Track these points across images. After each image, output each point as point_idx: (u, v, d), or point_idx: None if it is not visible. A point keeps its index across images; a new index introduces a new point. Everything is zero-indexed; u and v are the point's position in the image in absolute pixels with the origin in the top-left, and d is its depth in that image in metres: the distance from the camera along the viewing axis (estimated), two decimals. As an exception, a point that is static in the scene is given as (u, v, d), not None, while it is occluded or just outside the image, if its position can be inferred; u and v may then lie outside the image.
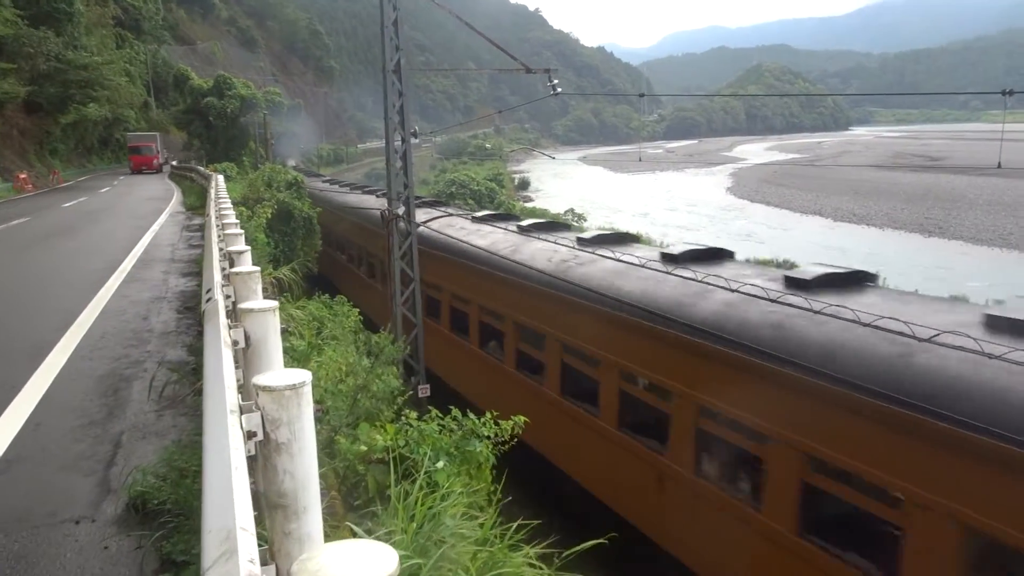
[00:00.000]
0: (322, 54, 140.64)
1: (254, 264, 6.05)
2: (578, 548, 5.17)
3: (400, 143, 15.57)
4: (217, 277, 5.16)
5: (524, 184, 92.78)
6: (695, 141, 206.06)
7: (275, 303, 3.84)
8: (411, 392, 13.80)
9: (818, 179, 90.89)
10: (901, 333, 6.91)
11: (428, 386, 15.03)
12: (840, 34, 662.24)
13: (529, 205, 63.48)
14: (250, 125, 56.83)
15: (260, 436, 2.54)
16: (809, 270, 9.54)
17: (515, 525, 5.09)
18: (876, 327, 7.19)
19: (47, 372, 6.94)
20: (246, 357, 3.80)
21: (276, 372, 2.74)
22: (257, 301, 4.09)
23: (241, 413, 2.57)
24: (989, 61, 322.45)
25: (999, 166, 10.90)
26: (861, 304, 7.86)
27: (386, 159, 15.70)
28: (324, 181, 38.57)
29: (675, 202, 77.21)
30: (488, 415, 6.78)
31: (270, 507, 2.67)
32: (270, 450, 2.58)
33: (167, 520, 4.08)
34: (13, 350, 7.83)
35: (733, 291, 8.86)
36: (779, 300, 8.27)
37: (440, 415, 6.77)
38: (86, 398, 6.33)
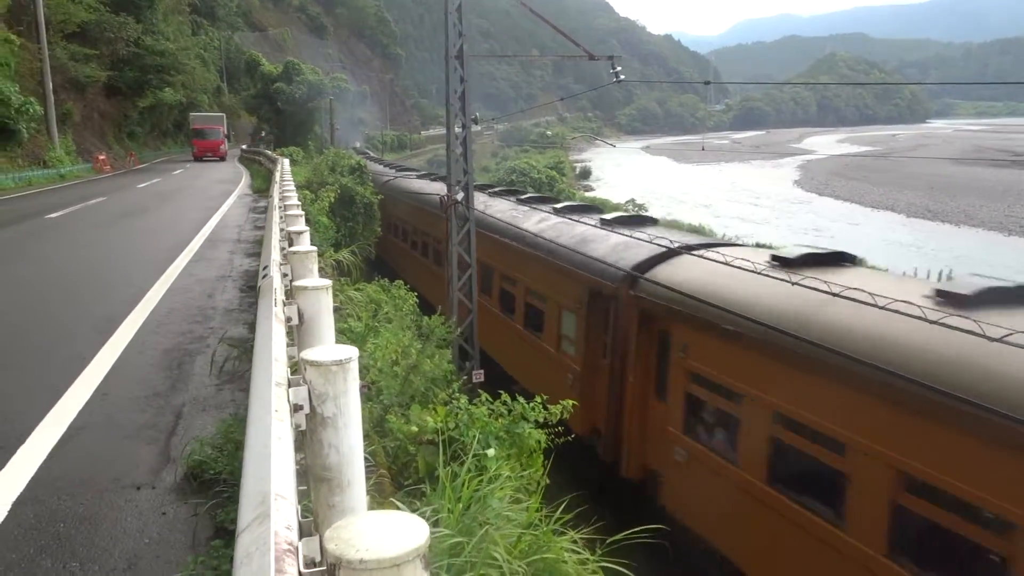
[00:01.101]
0: (389, 41, 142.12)
1: (317, 246, 6.18)
2: (622, 535, 5.15)
3: (461, 129, 15.64)
4: (276, 256, 5.28)
5: (585, 173, 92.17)
6: (763, 132, 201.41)
7: (328, 282, 3.92)
8: (465, 377, 13.94)
9: (891, 173, 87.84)
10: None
11: (482, 371, 15.13)
12: (919, 22, 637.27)
13: (590, 194, 63.08)
14: (317, 111, 57.90)
15: (307, 409, 2.60)
16: (793, 250, 10.64)
17: (560, 509, 5.09)
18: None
19: (116, 345, 7.23)
20: (299, 334, 3.89)
21: (324, 347, 2.79)
22: (311, 280, 4.18)
23: (289, 386, 2.63)
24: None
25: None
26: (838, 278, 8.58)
27: (447, 145, 15.80)
28: (386, 166, 39.07)
29: (739, 194, 75.70)
30: (537, 399, 6.79)
31: (315, 480, 2.73)
32: (316, 423, 2.64)
33: (222, 490, 4.22)
34: (85, 323, 8.17)
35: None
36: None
37: (490, 399, 6.81)
38: (151, 371, 6.57)
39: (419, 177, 30.10)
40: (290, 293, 4.22)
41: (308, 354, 2.67)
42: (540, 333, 14.14)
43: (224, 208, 19.98)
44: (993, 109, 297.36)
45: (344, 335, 9.26)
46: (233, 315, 8.51)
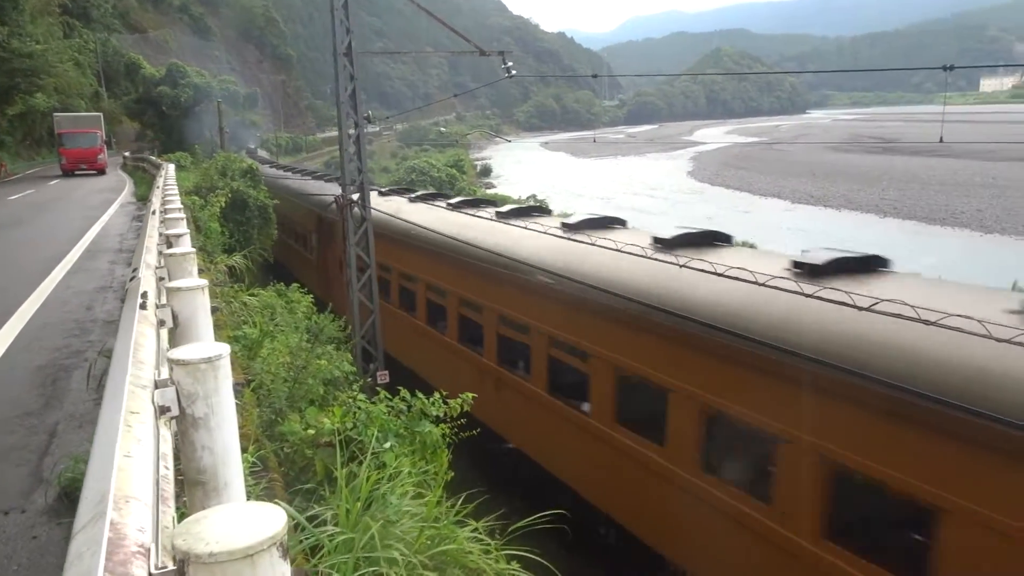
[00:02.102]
0: (278, 42, 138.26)
1: (209, 251, 5.97)
2: (525, 522, 5.17)
3: (354, 129, 15.37)
4: (150, 259, 5.04)
5: (486, 171, 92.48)
6: (656, 126, 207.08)
7: (204, 282, 3.76)
8: (369, 379, 13.73)
9: (777, 162, 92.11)
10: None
11: (387, 372, 14.93)
12: (797, 18, 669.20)
13: (491, 191, 63.34)
14: (205, 114, 55.81)
15: (175, 411, 2.49)
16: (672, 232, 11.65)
17: (460, 501, 5.08)
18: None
19: (-18, 364, 6.74)
20: (174, 337, 3.72)
21: (192, 345, 2.68)
22: (185, 280, 4.00)
23: (156, 388, 2.50)
24: (942, 44, 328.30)
25: (941, 140, 11.15)
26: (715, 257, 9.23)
27: (339, 144, 15.50)
28: (280, 169, 38.07)
29: (636, 186, 77.62)
30: (436, 395, 6.74)
31: (190, 484, 2.61)
32: (187, 425, 2.53)
33: (99, 507, 3.98)
34: (-52, 343, 7.59)
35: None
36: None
37: (389, 396, 6.72)
38: (22, 389, 6.16)
39: (311, 179, 29.46)
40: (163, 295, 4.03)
41: (175, 353, 2.55)
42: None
43: (105, 218, 18.98)
44: (865, 99, 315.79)
45: (238, 342, 8.95)
46: (114, 327, 8.07)
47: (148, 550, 1.53)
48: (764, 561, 7.43)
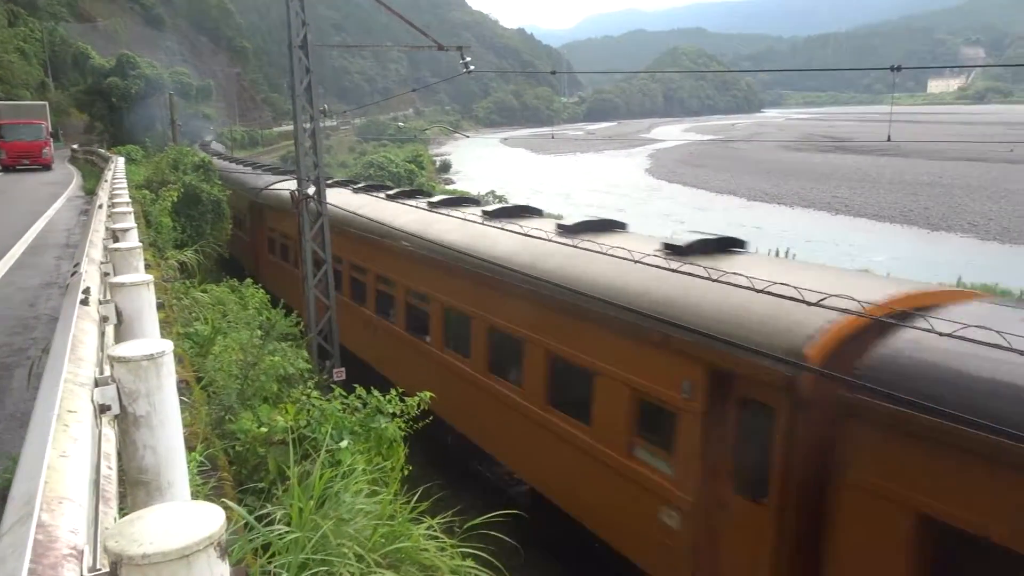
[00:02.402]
0: (233, 34, 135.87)
1: (160, 247, 5.84)
2: (480, 519, 5.17)
3: (310, 122, 15.18)
4: (95, 254, 4.91)
5: (445, 166, 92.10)
6: (614, 123, 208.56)
7: (149, 277, 3.67)
8: (326, 376, 13.59)
9: (733, 160, 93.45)
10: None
11: (343, 369, 14.79)
12: (753, 17, 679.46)
13: (450, 187, 63.12)
14: (156, 107, 54.59)
15: (116, 410, 2.42)
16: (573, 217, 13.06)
17: (415, 498, 5.05)
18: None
19: (-82, 363, 6.50)
20: (119, 334, 3.62)
21: (134, 342, 2.61)
22: (130, 275, 3.90)
23: (96, 386, 2.43)
24: (891, 46, 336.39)
25: (888, 139, 11.42)
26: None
27: (295, 138, 15.29)
28: (237, 163, 37.42)
29: (595, 183, 78.07)
30: (393, 392, 6.69)
31: (132, 485, 2.55)
32: (128, 424, 2.46)
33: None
34: None
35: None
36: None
37: (344, 394, 6.66)
38: (-39, 389, 5.95)
39: (267, 173, 28.98)
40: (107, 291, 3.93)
41: (115, 350, 2.49)
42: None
43: (51, 212, 18.44)
44: (819, 99, 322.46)
45: (190, 339, 8.78)
46: (59, 324, 7.85)
47: (81, 552, 1.48)
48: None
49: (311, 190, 15.12)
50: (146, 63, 55.45)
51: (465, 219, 13.12)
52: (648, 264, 8.45)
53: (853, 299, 6.24)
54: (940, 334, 5.48)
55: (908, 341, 5.83)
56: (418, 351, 13.43)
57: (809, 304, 6.31)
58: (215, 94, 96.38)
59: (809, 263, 9.88)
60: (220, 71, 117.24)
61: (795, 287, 6.59)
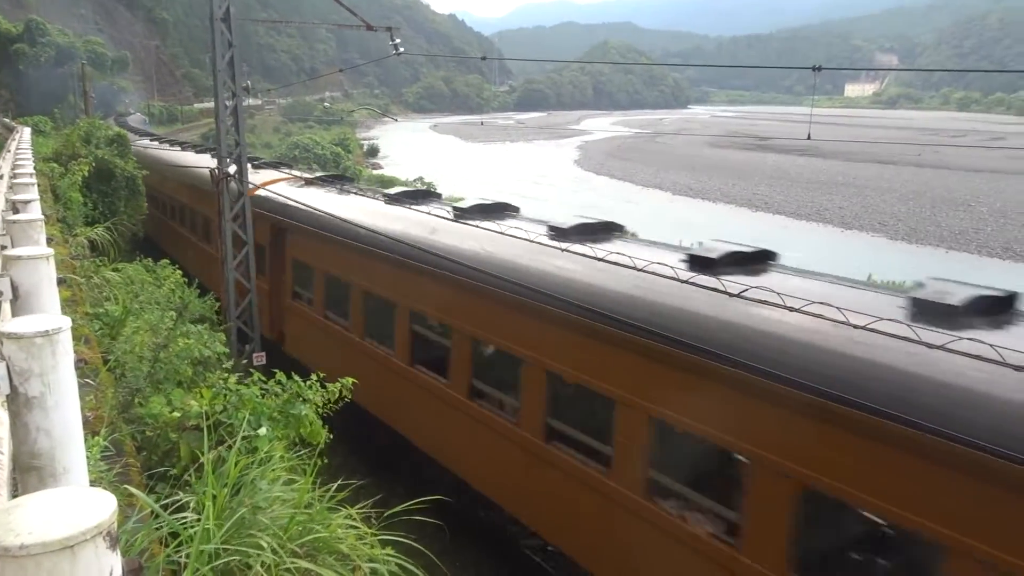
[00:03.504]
0: (152, 4, 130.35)
1: (67, 224, 5.49)
2: (400, 507, 5.08)
3: (231, 99, 14.65)
4: (-9, 226, 4.59)
5: (373, 151, 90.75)
6: (544, 113, 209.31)
7: (49, 250, 3.44)
8: (245, 360, 13.20)
9: (659, 154, 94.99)
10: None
11: (263, 354, 14.39)
12: (682, 15, 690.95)
13: (377, 172, 62.23)
14: (68, 77, 52.00)
15: (6, 390, 2.24)
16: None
17: (334, 487, 4.92)
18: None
19: None
20: (15, 310, 3.39)
21: (26, 318, 2.42)
22: (27, 248, 3.65)
23: (-17, 365, 2.24)
24: (811, 49, 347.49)
25: (808, 137, 11.77)
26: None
27: (215, 115, 14.74)
28: (153, 139, 35.94)
29: (524, 173, 78.27)
30: (314, 376, 6.52)
31: (23, 470, 2.37)
32: (19, 405, 2.29)
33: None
34: None
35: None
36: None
37: (263, 379, 6.45)
38: None
39: (185, 150, 27.92)
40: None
41: (6, 326, 2.31)
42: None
43: (-52, 183, 17.33)
44: (743, 98, 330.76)
45: (99, 319, 8.37)
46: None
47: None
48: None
49: (232, 169, 14.61)
50: (57, 30, 52.84)
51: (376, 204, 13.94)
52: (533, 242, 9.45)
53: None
54: None
55: None
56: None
57: None
58: (132, 66, 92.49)
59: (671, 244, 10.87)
60: (138, 43, 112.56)
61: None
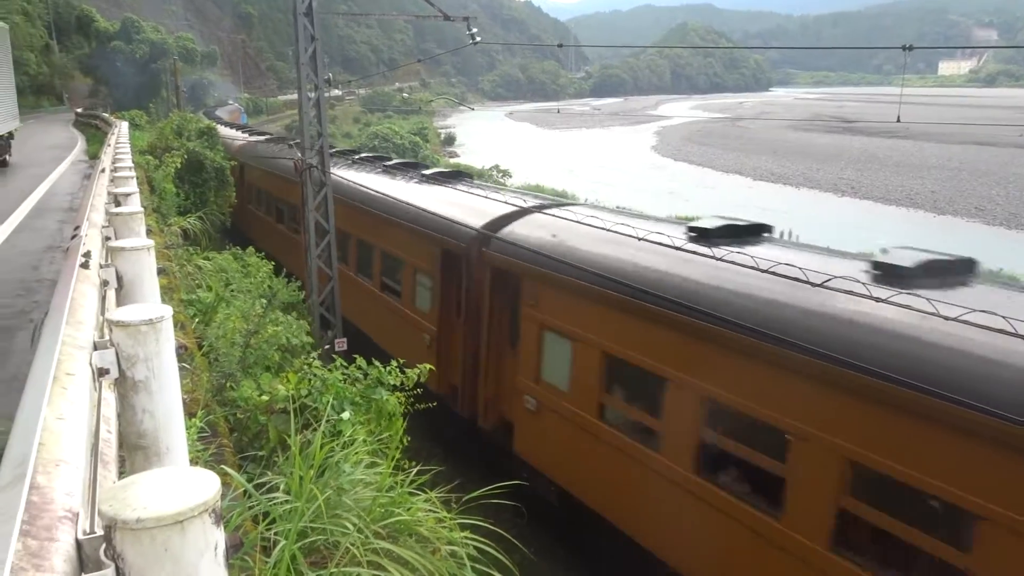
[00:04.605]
0: (239, 0, 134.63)
1: (161, 214, 5.82)
2: (479, 492, 5.18)
3: (314, 91, 15.03)
4: (97, 217, 4.87)
5: (450, 139, 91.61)
6: (621, 99, 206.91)
7: (150, 241, 3.64)
8: (327, 347, 13.59)
9: (740, 139, 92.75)
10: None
11: (345, 340, 14.78)
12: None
13: (454, 160, 62.83)
14: (161, 72, 54.29)
15: (115, 374, 2.40)
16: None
17: (415, 470, 5.06)
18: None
19: (-81, 324, 6.50)
20: (119, 299, 3.60)
21: (133, 307, 2.58)
22: (130, 240, 3.87)
23: (96, 350, 2.41)
24: (903, 26, 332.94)
25: (898, 119, 11.30)
26: None
27: (299, 107, 15.16)
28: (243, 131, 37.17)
29: (600, 159, 77.66)
30: (393, 363, 6.69)
31: (130, 449, 2.53)
32: (127, 388, 2.45)
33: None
34: None
35: None
36: None
37: (345, 364, 6.65)
38: (-37, 349, 5.96)
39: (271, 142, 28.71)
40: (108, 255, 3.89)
41: (115, 314, 2.46)
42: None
43: (55, 176, 18.37)
44: (828, 79, 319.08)
45: (193, 306, 8.77)
46: (61, 288, 7.84)
47: (76, 515, 1.47)
48: None
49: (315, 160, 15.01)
50: (151, 27, 55.08)
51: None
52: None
53: None
54: None
55: None
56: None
57: None
58: (220, 61, 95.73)
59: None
60: (225, 37, 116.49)
61: None
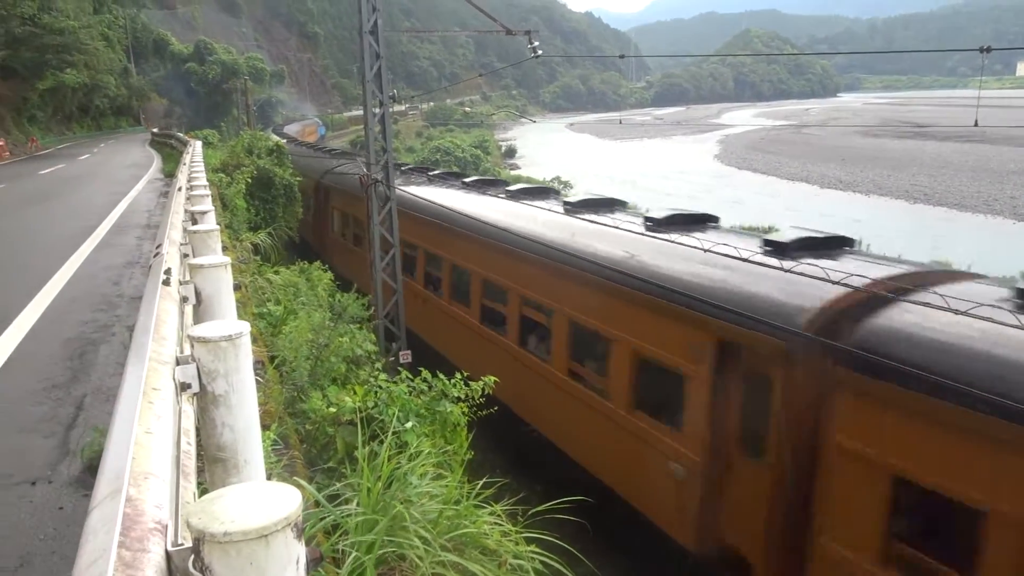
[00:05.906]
0: (306, 19, 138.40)
1: (233, 229, 6.02)
2: (545, 506, 5.17)
3: (378, 107, 15.34)
4: (175, 235, 5.07)
5: (511, 151, 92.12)
6: (683, 108, 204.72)
7: (227, 259, 3.77)
8: (392, 359, 13.79)
9: (805, 146, 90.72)
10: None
11: (409, 352, 14.98)
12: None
13: (515, 172, 63.13)
14: (232, 92, 56.13)
15: (196, 388, 2.49)
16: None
17: (481, 483, 5.08)
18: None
19: (12, 337, 6.84)
20: (197, 314, 3.73)
21: (213, 323, 2.68)
22: (209, 257, 4.01)
23: (177, 364, 2.50)
24: (977, 26, 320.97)
25: (976, 124, 10.88)
26: None
27: (364, 123, 15.49)
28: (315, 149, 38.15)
29: (662, 169, 76.93)
30: (458, 376, 6.74)
31: (210, 461, 2.62)
32: (207, 402, 2.53)
33: (123, 480, 4.03)
34: (-21, 315, 7.70)
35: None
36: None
37: (411, 377, 6.73)
38: (51, 362, 6.25)
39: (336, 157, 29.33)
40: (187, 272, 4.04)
41: (196, 330, 2.56)
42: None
43: (133, 193, 19.17)
44: (898, 83, 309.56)
45: (263, 319, 9.02)
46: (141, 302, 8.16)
47: (165, 527, 1.53)
48: None
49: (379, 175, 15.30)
50: (222, 49, 57.08)
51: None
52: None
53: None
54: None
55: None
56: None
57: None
58: (287, 79, 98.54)
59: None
60: (292, 56, 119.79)
61: None
